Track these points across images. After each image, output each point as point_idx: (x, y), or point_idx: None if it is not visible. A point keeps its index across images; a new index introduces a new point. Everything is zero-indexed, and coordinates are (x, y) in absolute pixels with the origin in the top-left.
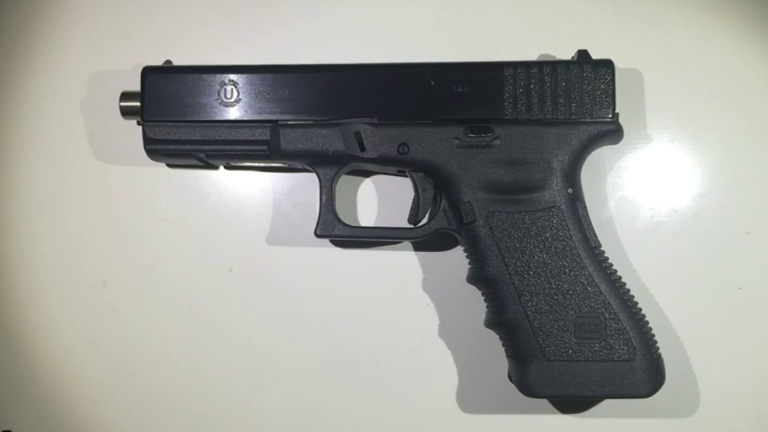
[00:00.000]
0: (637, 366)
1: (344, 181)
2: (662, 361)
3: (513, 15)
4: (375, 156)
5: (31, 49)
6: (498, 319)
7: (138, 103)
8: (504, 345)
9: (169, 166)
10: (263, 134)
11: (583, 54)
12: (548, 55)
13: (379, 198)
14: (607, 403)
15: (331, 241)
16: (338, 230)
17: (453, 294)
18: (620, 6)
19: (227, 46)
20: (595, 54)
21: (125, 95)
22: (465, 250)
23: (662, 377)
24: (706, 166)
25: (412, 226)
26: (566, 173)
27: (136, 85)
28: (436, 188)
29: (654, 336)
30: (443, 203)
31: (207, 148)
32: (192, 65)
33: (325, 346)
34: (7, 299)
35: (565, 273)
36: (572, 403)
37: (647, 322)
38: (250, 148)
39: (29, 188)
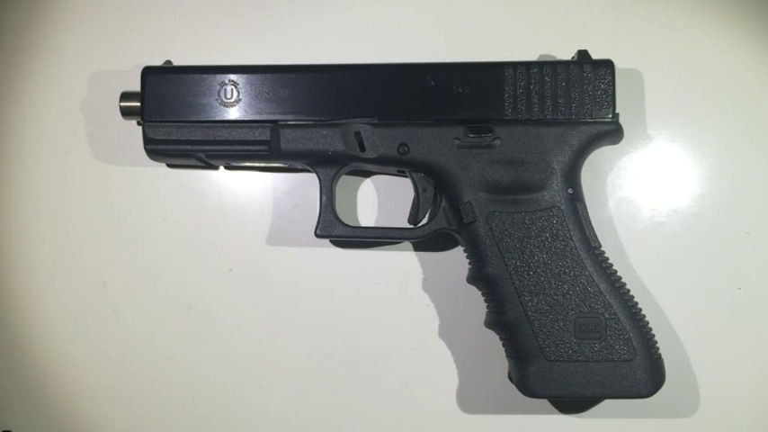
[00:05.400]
0: (637, 366)
1: (344, 181)
2: (662, 361)
3: (513, 15)
4: (375, 156)
5: (31, 49)
6: (498, 320)
7: (138, 104)
8: (504, 345)
9: (169, 166)
10: (263, 134)
11: (583, 54)
12: (548, 55)
13: (379, 198)
14: (607, 403)
15: (331, 241)
16: (338, 230)
17: (453, 294)
18: (620, 6)
19: (227, 46)
20: (595, 54)
21: (125, 95)
22: (465, 250)
23: (662, 377)
24: (706, 166)
25: (412, 226)
26: (566, 173)
27: (136, 85)
28: (436, 188)
29: (654, 336)
30: (443, 203)
31: (207, 148)
32: (192, 65)
33: (325, 346)
34: (8, 299)
35: (565, 273)
36: (572, 403)
37: (648, 322)
38: (250, 148)
39: (29, 188)
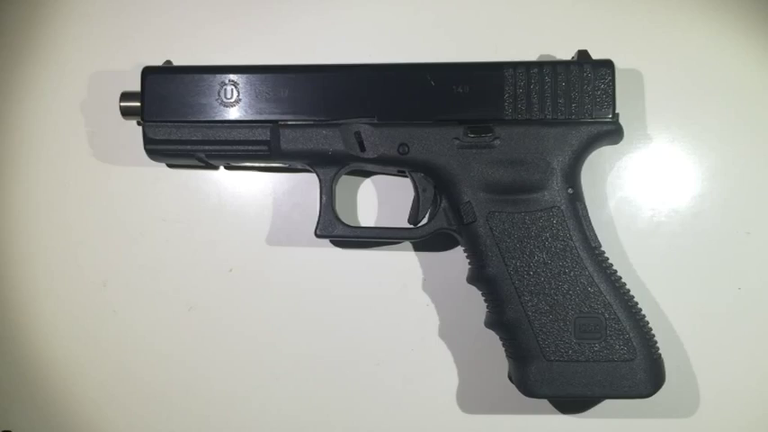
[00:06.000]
0: (637, 366)
1: (344, 181)
2: (662, 361)
3: (513, 15)
4: (375, 156)
5: (31, 49)
6: (498, 320)
7: (138, 104)
8: (504, 345)
9: (169, 166)
10: (263, 134)
11: (583, 54)
12: (548, 55)
13: (379, 198)
14: (607, 403)
15: (331, 241)
16: (338, 230)
17: (453, 294)
18: (620, 6)
19: (227, 46)
20: (595, 54)
21: (125, 95)
22: (465, 250)
23: (662, 377)
24: (706, 166)
25: (412, 226)
26: (566, 173)
27: (136, 85)
28: (436, 188)
29: (654, 336)
30: (443, 203)
31: (207, 148)
32: (192, 65)
33: (326, 346)
34: (8, 299)
35: (565, 273)
36: (572, 403)
37: (648, 322)
38: (250, 148)
39: (29, 188)
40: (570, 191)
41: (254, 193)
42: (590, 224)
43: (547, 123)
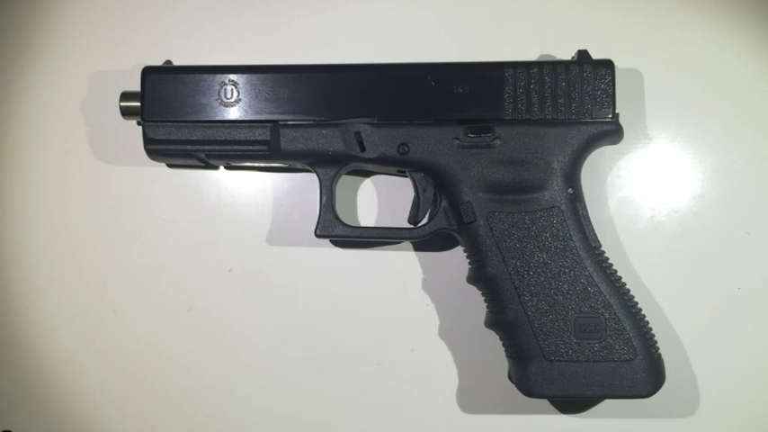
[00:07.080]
0: (637, 366)
1: (344, 181)
2: (662, 361)
3: (513, 15)
4: (375, 156)
5: (31, 49)
6: (498, 320)
7: (138, 103)
8: (504, 345)
9: (169, 166)
10: (263, 134)
11: (583, 54)
12: (548, 55)
13: (379, 198)
14: (607, 403)
15: (331, 241)
16: (338, 230)
17: (453, 294)
18: (620, 6)
19: (227, 46)
20: (595, 54)
21: (125, 95)
22: (465, 250)
23: (662, 377)
24: (706, 166)
25: (412, 226)
26: (566, 173)
27: (136, 85)
28: (436, 188)
29: (654, 336)
30: (443, 203)
31: (207, 148)
32: (192, 65)
33: (326, 346)
34: (7, 299)
35: (565, 273)
36: (572, 403)
37: (648, 322)
38: (250, 148)
39: (29, 188)
40: (570, 191)
41: (254, 193)
42: (590, 224)
43: (547, 123)
